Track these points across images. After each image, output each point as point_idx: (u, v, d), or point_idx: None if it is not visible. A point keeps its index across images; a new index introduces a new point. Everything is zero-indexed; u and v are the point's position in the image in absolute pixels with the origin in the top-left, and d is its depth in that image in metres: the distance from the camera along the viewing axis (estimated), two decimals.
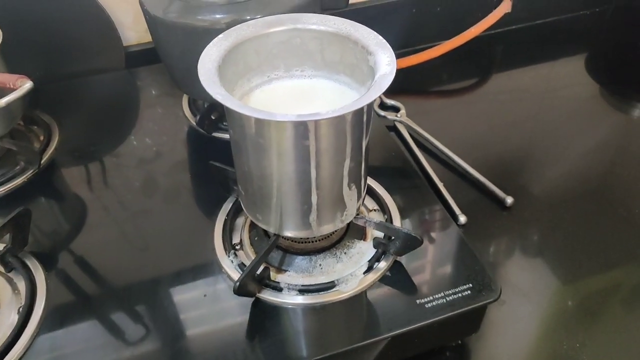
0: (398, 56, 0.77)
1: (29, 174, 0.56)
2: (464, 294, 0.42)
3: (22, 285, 0.45)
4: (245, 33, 0.41)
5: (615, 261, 0.53)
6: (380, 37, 0.39)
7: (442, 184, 0.61)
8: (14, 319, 0.43)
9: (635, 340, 0.46)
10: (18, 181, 0.56)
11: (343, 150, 0.38)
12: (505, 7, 0.81)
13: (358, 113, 0.37)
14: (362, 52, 0.40)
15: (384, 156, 0.58)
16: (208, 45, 0.39)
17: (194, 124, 0.63)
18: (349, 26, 0.41)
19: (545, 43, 0.90)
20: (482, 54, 0.87)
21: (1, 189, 0.55)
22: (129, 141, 0.63)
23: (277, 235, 0.44)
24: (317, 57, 0.43)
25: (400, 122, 0.71)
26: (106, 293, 0.46)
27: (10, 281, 0.46)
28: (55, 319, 0.43)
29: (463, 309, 0.41)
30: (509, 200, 0.59)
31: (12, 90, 0.45)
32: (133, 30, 0.72)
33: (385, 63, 0.37)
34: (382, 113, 0.72)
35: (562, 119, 0.73)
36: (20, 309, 0.43)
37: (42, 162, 0.57)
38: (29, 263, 0.47)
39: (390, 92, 0.76)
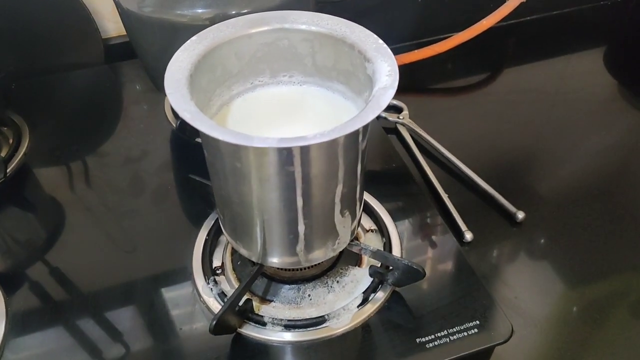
0: (402, 50, 0.73)
1: None
2: (470, 332, 0.38)
3: None
4: (224, 34, 0.35)
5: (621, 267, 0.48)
6: (381, 41, 0.34)
7: (446, 195, 0.56)
8: None
9: None
10: None
11: (335, 176, 0.32)
12: None
13: (352, 135, 0.31)
14: (359, 57, 0.34)
15: (382, 165, 0.53)
16: (178, 50, 0.33)
17: (175, 127, 0.57)
18: (344, 27, 0.35)
19: (562, 36, 0.84)
20: (492, 47, 0.81)
21: None
22: (111, 141, 0.59)
23: (261, 264, 0.39)
24: (307, 61, 0.38)
25: (402, 124, 0.65)
26: (76, 305, 0.42)
27: None
28: (17, 345, 0.39)
29: (469, 352, 0.37)
30: (520, 215, 0.54)
31: None
32: (112, 22, 0.66)
33: (386, 73, 0.32)
34: (383, 114, 0.66)
35: (578, 120, 0.67)
36: None
37: (8, 169, 0.53)
38: None
39: None
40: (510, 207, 0.55)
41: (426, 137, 0.63)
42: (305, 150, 0.29)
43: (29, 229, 0.50)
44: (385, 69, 0.32)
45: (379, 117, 0.66)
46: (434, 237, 0.45)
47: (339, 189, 0.33)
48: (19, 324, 0.41)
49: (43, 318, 0.41)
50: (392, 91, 0.30)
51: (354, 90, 0.37)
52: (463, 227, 0.52)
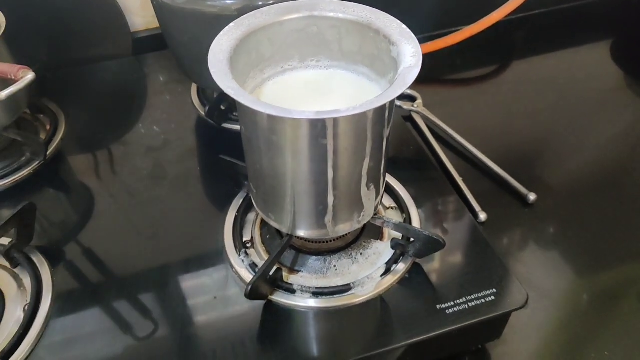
0: None
1: (35, 165, 0.55)
2: (487, 299, 0.40)
3: (27, 281, 0.44)
4: (258, 21, 0.38)
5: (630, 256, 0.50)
6: (405, 27, 0.37)
7: (460, 178, 0.58)
8: (19, 316, 0.42)
9: None
10: (24, 173, 0.54)
11: (363, 149, 0.35)
12: None
13: (380, 109, 0.34)
14: (384, 42, 0.37)
15: (401, 149, 0.56)
16: (219, 35, 0.36)
17: (203, 114, 0.60)
18: (369, 14, 0.38)
19: (570, 28, 0.86)
20: (502, 40, 0.84)
21: (7, 181, 0.53)
22: (137, 129, 0.62)
23: (290, 236, 0.42)
24: (334, 46, 0.41)
25: (417, 112, 0.68)
26: (113, 286, 0.44)
27: (16, 277, 0.45)
28: (62, 315, 0.42)
29: (487, 317, 0.39)
30: (532, 197, 0.56)
31: (14, 81, 0.43)
32: (140, 16, 0.69)
33: (410, 54, 0.34)
34: (398, 103, 0.69)
35: (586, 110, 0.69)
36: (26, 307, 0.42)
37: (48, 152, 0.56)
38: (34, 258, 0.46)
39: None
40: (522, 190, 0.57)
41: (440, 124, 0.65)
42: (337, 122, 0.32)
43: (64, 211, 0.53)
44: (410, 50, 0.35)
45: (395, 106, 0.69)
46: (451, 215, 0.48)
47: (367, 162, 0.36)
48: (63, 298, 0.43)
49: (79, 293, 0.44)
50: (417, 70, 0.33)
51: (378, 72, 0.39)
52: (477, 208, 0.55)
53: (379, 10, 0.38)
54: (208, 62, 0.34)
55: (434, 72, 0.77)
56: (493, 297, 0.40)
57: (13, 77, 0.43)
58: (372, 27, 0.38)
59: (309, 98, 0.41)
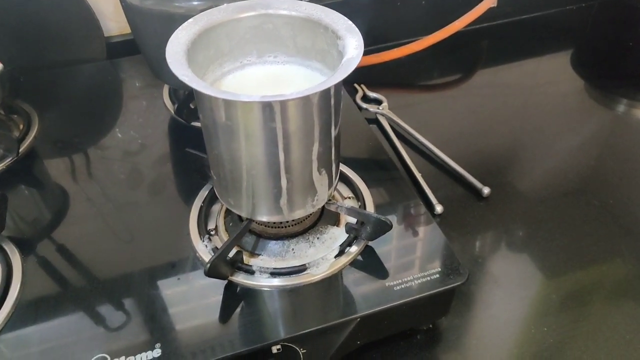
0: (382, 49, 0.79)
1: (7, 161, 0.57)
2: (432, 277, 0.43)
3: None
4: (216, 17, 0.41)
5: (596, 257, 0.53)
6: (350, 22, 0.40)
7: (420, 174, 0.62)
8: None
9: (615, 334, 0.47)
10: None
11: (311, 134, 0.38)
12: (490, 1, 0.81)
13: (324, 95, 0.37)
14: (332, 37, 0.40)
15: (362, 148, 0.59)
16: (177, 29, 0.39)
17: (174, 113, 0.63)
18: (319, 11, 0.41)
19: (531, 38, 0.90)
20: (467, 48, 0.88)
21: None
22: (113, 133, 0.63)
23: (250, 220, 0.44)
24: (289, 43, 0.44)
25: (382, 114, 0.71)
26: (83, 280, 0.46)
27: None
28: (31, 304, 0.43)
29: (431, 292, 0.42)
30: (486, 190, 0.59)
31: None
32: (114, 21, 0.72)
33: (353, 47, 0.38)
34: (365, 105, 0.73)
35: (547, 115, 0.73)
36: None
37: (21, 150, 0.58)
38: (5, 247, 0.47)
39: (373, 85, 0.77)
40: (477, 184, 0.60)
41: (404, 125, 0.69)
42: (284, 105, 0.35)
43: (37, 207, 0.55)
44: (353, 43, 0.38)
45: (361, 109, 0.72)
46: (404, 204, 0.51)
47: (316, 147, 0.39)
48: (32, 285, 0.44)
49: (55, 283, 0.45)
50: (358, 60, 0.36)
51: (330, 66, 0.43)
52: (434, 200, 0.58)
53: (328, 8, 0.41)
54: (165, 53, 0.37)
55: (400, 77, 0.81)
56: (437, 275, 0.43)
57: None
58: (322, 23, 0.41)
59: (266, 91, 0.44)
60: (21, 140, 0.59)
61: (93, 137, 0.62)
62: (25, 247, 0.48)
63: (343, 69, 0.36)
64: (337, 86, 0.37)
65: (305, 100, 0.36)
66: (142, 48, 0.59)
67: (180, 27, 0.39)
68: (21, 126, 0.62)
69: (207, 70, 0.42)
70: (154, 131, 0.63)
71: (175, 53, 0.37)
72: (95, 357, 0.39)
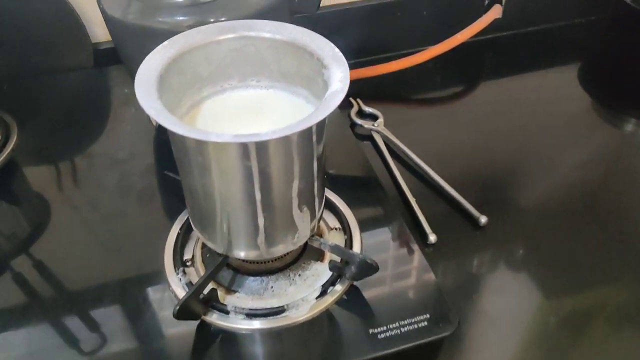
0: (380, 61, 0.76)
1: None
2: (420, 325, 0.40)
3: None
4: (194, 40, 0.38)
5: (599, 280, 0.50)
6: (337, 50, 0.37)
7: (414, 199, 0.58)
8: None
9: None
10: None
11: (290, 172, 0.35)
12: (495, 13, 0.78)
13: (305, 133, 0.34)
14: (318, 64, 0.37)
15: (352, 169, 0.56)
16: (151, 53, 0.36)
17: (155, 131, 0.60)
18: (305, 36, 0.38)
19: (537, 52, 0.87)
20: (469, 61, 0.84)
21: None
22: (100, 142, 0.61)
23: (226, 256, 0.42)
24: (273, 67, 0.41)
25: (377, 131, 0.68)
26: (48, 301, 0.44)
27: None
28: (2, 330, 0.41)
29: (416, 342, 0.39)
30: (483, 219, 0.56)
31: None
32: (101, 27, 0.69)
33: (338, 79, 0.35)
34: (359, 121, 0.69)
35: (551, 133, 0.70)
36: None
37: None
38: None
39: (370, 98, 0.74)
40: (474, 212, 0.57)
41: (399, 144, 0.66)
42: (260, 145, 0.32)
43: (15, 222, 0.52)
44: (339, 75, 0.35)
45: (354, 126, 0.69)
46: (394, 238, 0.48)
47: (296, 184, 0.36)
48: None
49: (15, 313, 0.43)
50: (342, 95, 0.33)
51: (315, 94, 0.40)
52: (428, 229, 0.55)
53: (314, 33, 0.38)
54: (135, 80, 0.34)
55: (399, 91, 0.78)
56: (425, 323, 0.40)
57: None
58: (307, 49, 0.38)
59: (247, 117, 0.41)
60: None
61: (79, 145, 0.60)
62: None
63: (326, 104, 0.33)
64: (319, 122, 0.34)
65: (284, 140, 0.33)
66: (125, 61, 0.56)
67: (154, 51, 0.36)
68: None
69: (184, 95, 0.39)
70: (141, 140, 0.60)
71: (145, 81, 0.34)
72: None
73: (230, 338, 0.40)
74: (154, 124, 0.62)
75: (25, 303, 0.44)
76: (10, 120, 0.61)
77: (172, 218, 0.49)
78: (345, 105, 0.72)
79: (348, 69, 0.35)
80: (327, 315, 0.41)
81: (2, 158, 0.56)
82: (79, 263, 0.47)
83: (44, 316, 0.43)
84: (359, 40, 0.75)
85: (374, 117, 0.70)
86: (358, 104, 0.72)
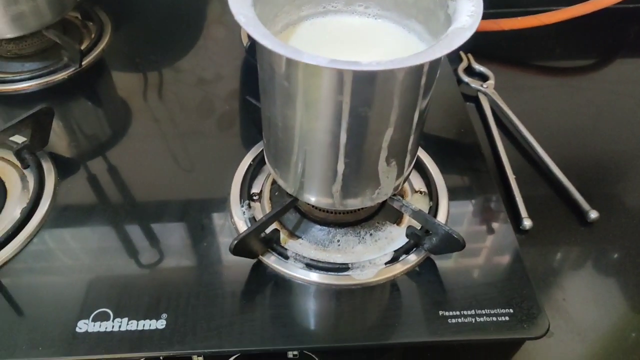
0: (504, 15, 0.66)
1: (70, 71, 0.54)
2: (499, 319, 0.34)
3: (32, 184, 0.43)
4: None
5: None
6: None
7: (514, 177, 0.51)
8: (16, 215, 0.41)
9: None
10: (58, 76, 0.53)
11: (386, 117, 0.30)
12: None
13: (414, 72, 0.28)
14: None
15: (451, 130, 0.49)
16: None
17: (245, 51, 0.57)
18: None
19: None
20: (609, 31, 0.72)
21: (40, 82, 0.53)
22: (189, 58, 0.59)
23: (295, 197, 0.38)
24: None
25: (485, 94, 0.60)
26: (113, 206, 0.43)
27: (23, 178, 0.45)
28: (55, 226, 0.41)
29: (492, 337, 0.34)
30: (593, 215, 0.48)
31: None
32: None
33: (467, 13, 0.28)
34: (467, 79, 0.62)
35: None
36: (23, 210, 0.41)
37: (86, 61, 0.54)
38: (44, 164, 0.45)
39: (482, 55, 0.65)
40: (584, 205, 0.49)
41: (507, 112, 0.58)
42: (358, 77, 0.27)
43: (96, 124, 0.52)
44: (469, 8, 0.28)
45: (459, 83, 0.61)
46: (486, 215, 0.42)
47: (389, 133, 0.31)
48: (60, 209, 0.42)
49: (82, 211, 0.43)
50: (470, 33, 0.27)
51: (432, 32, 0.33)
52: (524, 212, 0.48)
53: None
54: None
55: (518, 52, 0.68)
56: (507, 318, 0.34)
57: None
58: None
59: (347, 48, 0.36)
60: (87, 52, 0.55)
61: (167, 57, 0.58)
62: (64, 166, 0.46)
63: (447, 41, 0.27)
64: (433, 63, 0.28)
65: (388, 74, 0.27)
66: None
67: None
68: (93, 35, 0.58)
69: (280, 10, 0.34)
70: (229, 63, 0.57)
71: None
72: (97, 312, 0.35)
73: (284, 285, 0.37)
74: (244, 43, 0.58)
75: (95, 204, 0.43)
76: (106, 19, 0.60)
77: (248, 147, 0.46)
78: (453, 58, 0.64)
79: (482, 3, 0.28)
80: (394, 284, 0.37)
81: (93, 56, 0.56)
82: (150, 176, 0.46)
83: (110, 220, 0.42)
84: None
85: (483, 77, 0.62)
86: (468, 59, 0.64)
